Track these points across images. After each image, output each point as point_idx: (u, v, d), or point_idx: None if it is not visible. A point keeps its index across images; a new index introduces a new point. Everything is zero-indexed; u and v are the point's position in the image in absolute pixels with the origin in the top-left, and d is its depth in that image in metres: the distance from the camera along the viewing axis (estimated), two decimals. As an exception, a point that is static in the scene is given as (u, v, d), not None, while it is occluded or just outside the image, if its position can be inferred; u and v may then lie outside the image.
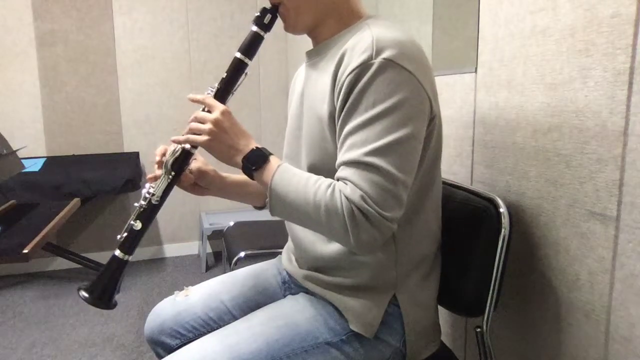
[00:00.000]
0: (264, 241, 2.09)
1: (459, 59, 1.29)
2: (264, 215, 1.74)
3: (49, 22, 2.90)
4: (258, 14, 0.90)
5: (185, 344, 0.97)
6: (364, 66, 0.77)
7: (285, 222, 1.01)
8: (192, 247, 3.32)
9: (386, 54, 0.76)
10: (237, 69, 0.91)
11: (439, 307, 1.00)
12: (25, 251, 1.50)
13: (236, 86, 0.93)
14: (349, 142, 0.78)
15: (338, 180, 0.79)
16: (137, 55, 3.07)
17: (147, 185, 0.94)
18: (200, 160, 1.04)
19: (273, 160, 0.84)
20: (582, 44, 0.85)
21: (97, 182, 2.71)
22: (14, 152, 2.14)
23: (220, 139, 0.85)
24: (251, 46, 0.91)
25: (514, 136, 1.04)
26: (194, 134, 0.87)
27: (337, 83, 0.82)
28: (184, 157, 0.92)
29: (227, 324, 0.95)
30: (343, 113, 0.80)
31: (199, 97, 0.89)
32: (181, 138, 0.89)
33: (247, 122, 3.26)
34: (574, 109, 0.88)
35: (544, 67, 0.95)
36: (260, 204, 1.13)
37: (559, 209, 0.93)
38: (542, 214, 0.97)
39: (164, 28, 3.10)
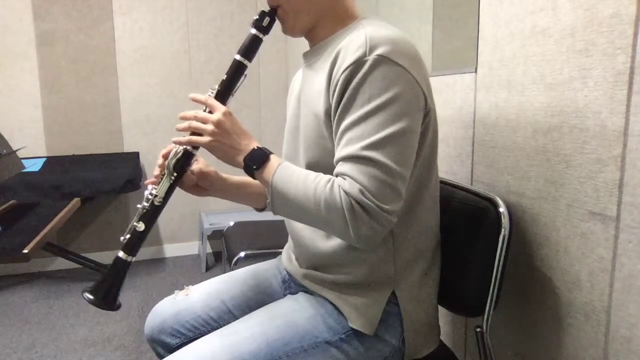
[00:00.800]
0: (264, 241, 2.09)
1: (459, 59, 1.29)
2: (264, 215, 1.74)
3: (49, 22, 2.90)
4: (257, 17, 0.91)
5: (185, 343, 0.98)
6: (358, 63, 0.78)
7: (285, 220, 1.01)
8: (192, 247, 3.32)
9: (379, 51, 0.77)
10: (236, 71, 0.92)
11: (439, 307, 1.00)
12: (25, 251, 1.51)
13: (236, 88, 0.94)
14: (346, 137, 0.79)
15: (337, 176, 0.79)
16: (137, 55, 3.07)
17: (150, 187, 0.95)
18: (201, 162, 1.05)
19: (273, 159, 0.85)
20: (582, 44, 0.85)
21: (97, 182, 2.71)
22: (14, 152, 2.14)
23: (222, 140, 0.86)
24: (250, 48, 0.92)
25: (514, 136, 1.04)
26: (196, 134, 0.87)
27: (332, 81, 0.83)
28: (185, 158, 0.93)
29: (227, 324, 0.95)
30: (339, 110, 0.81)
31: (200, 97, 0.89)
32: (183, 139, 0.89)
33: (247, 122, 3.26)
34: (574, 109, 0.88)
35: (544, 67, 0.95)
36: (260, 205, 1.13)
37: (559, 209, 0.93)
38: (542, 214, 0.97)
39: (164, 28, 3.10)
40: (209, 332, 0.95)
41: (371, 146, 0.76)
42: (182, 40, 3.14)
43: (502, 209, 0.93)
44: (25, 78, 2.91)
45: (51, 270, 3.08)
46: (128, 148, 3.13)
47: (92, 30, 2.98)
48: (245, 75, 0.94)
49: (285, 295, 1.05)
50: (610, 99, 0.80)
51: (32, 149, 2.94)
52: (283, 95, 3.34)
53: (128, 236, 0.92)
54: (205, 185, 1.05)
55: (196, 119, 0.88)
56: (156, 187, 0.93)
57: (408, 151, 0.80)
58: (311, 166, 0.89)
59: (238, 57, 0.92)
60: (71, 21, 2.94)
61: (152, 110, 3.14)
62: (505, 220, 0.92)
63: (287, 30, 0.95)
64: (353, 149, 0.77)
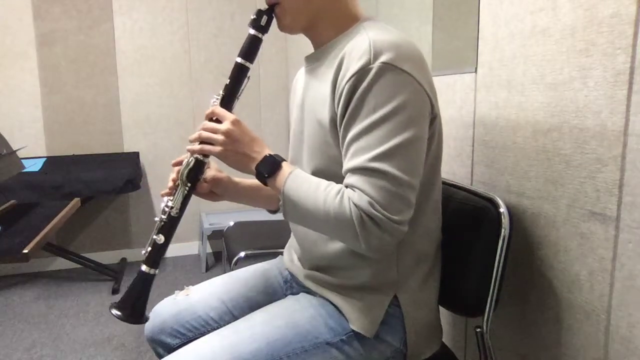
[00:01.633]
0: (264, 241, 2.09)
1: (459, 59, 1.29)
2: (264, 216, 1.74)
3: (49, 22, 2.90)
4: (254, 16, 0.91)
5: (185, 343, 0.98)
6: (362, 71, 0.77)
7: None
8: (192, 247, 3.32)
9: (384, 58, 0.76)
10: (239, 74, 0.92)
11: (439, 307, 1.00)
12: (25, 251, 1.51)
13: (240, 91, 0.94)
14: (353, 148, 0.79)
15: (346, 187, 0.79)
16: (137, 55, 3.07)
17: (165, 198, 0.95)
18: (214, 168, 1.05)
19: (285, 167, 0.85)
20: (582, 44, 0.85)
21: (97, 182, 2.71)
22: (14, 152, 2.14)
23: (233, 149, 0.86)
24: (251, 49, 0.92)
25: (514, 136, 1.04)
26: (207, 143, 0.87)
27: (337, 89, 0.82)
28: (197, 167, 0.94)
29: (227, 324, 0.95)
30: (345, 119, 0.80)
31: (205, 117, 0.90)
32: (196, 147, 0.90)
33: (247, 122, 3.21)
34: (574, 109, 0.88)
35: (544, 67, 0.95)
36: (274, 207, 1.14)
37: (559, 209, 0.93)
38: (542, 214, 0.97)
39: (164, 28, 3.10)
40: (209, 332, 0.95)
41: (379, 157, 0.76)
42: (182, 40, 3.14)
43: (502, 209, 0.93)
44: (25, 78, 2.91)
45: (51, 270, 3.08)
46: (128, 148, 3.13)
47: (92, 30, 2.98)
48: (249, 78, 0.94)
49: (286, 295, 1.05)
50: (610, 99, 0.80)
51: (32, 149, 2.94)
52: (283, 95, 3.34)
53: (149, 249, 0.93)
54: (218, 191, 1.06)
55: (205, 129, 0.88)
56: (171, 198, 0.94)
57: (416, 160, 0.79)
58: (317, 173, 0.89)
59: (239, 59, 0.91)
60: (71, 21, 2.94)
61: (152, 110, 3.14)
62: (505, 220, 0.92)
63: (284, 28, 0.94)
64: (360, 160, 0.77)
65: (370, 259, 0.88)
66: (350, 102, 0.79)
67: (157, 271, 0.93)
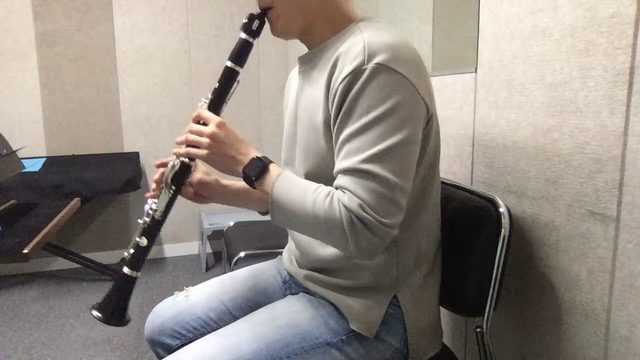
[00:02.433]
0: (264, 241, 2.09)
1: (459, 59, 1.29)
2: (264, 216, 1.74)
3: (49, 22, 2.90)
4: (245, 20, 0.89)
5: (185, 344, 0.97)
6: (356, 72, 0.76)
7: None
8: (192, 247, 3.32)
9: (378, 59, 0.76)
10: (228, 78, 0.91)
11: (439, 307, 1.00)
12: (25, 251, 1.51)
13: (229, 95, 0.92)
14: (345, 149, 0.78)
15: (337, 188, 0.78)
16: (137, 55, 3.07)
17: (149, 201, 0.94)
18: (201, 171, 1.04)
19: (273, 169, 0.84)
20: (582, 44, 0.85)
21: (97, 182, 2.71)
22: (14, 152, 2.14)
23: (219, 152, 0.85)
24: (241, 54, 0.91)
25: (514, 136, 1.04)
26: (193, 146, 0.87)
27: (330, 90, 0.82)
28: (183, 171, 0.93)
29: (227, 324, 0.95)
30: (338, 120, 0.80)
31: (192, 118, 0.89)
32: (182, 150, 0.89)
33: (247, 122, 3.26)
34: (574, 109, 0.88)
35: (544, 67, 0.95)
36: (263, 209, 1.13)
37: (559, 209, 0.93)
38: (542, 214, 0.97)
39: (164, 28, 3.10)
40: (209, 332, 0.95)
41: (370, 159, 0.75)
42: (182, 40, 3.14)
43: (502, 209, 0.93)
44: (25, 78, 2.91)
45: (51, 270, 3.08)
46: (128, 148, 3.13)
47: (92, 30, 2.98)
48: (238, 82, 0.92)
49: (285, 296, 1.05)
50: (610, 99, 0.80)
51: (32, 149, 2.94)
52: (283, 95, 3.34)
53: (132, 251, 0.92)
54: (206, 194, 1.05)
55: (191, 132, 0.87)
56: (156, 201, 0.93)
57: (408, 162, 0.79)
58: (310, 175, 0.89)
59: (229, 63, 0.90)
60: (71, 21, 2.93)
61: (152, 110, 3.14)
62: (505, 220, 0.92)
63: (278, 33, 0.92)
64: (352, 161, 0.76)
65: (369, 261, 0.88)
66: (344, 103, 0.78)
67: (139, 274, 0.92)
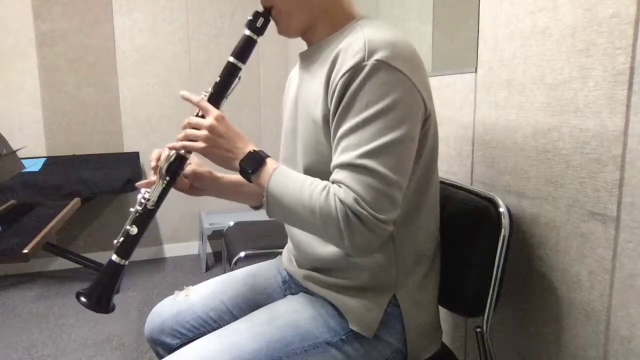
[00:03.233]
0: (264, 241, 2.09)
1: (459, 59, 1.29)
2: (264, 215, 1.74)
3: (49, 22, 2.90)
4: (250, 17, 0.90)
5: (185, 343, 0.97)
6: (356, 68, 0.77)
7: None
8: (192, 247, 3.32)
9: (378, 56, 0.76)
10: (230, 73, 0.91)
11: (439, 307, 1.00)
12: (25, 251, 1.51)
13: (230, 90, 0.92)
14: (342, 144, 0.78)
15: (333, 182, 0.79)
16: (137, 55, 3.07)
17: (143, 190, 0.94)
18: (195, 163, 1.04)
19: (269, 163, 0.84)
20: (582, 44, 0.85)
21: (97, 182, 2.71)
22: (14, 152, 2.14)
23: (216, 145, 0.85)
24: (244, 50, 0.91)
25: (514, 136, 1.04)
26: (190, 140, 0.87)
27: (330, 86, 0.82)
28: (178, 162, 0.92)
29: (227, 324, 0.95)
30: (337, 115, 0.80)
31: (193, 98, 0.88)
32: (177, 144, 0.89)
33: (247, 122, 3.26)
34: (574, 109, 0.88)
35: (544, 67, 0.95)
36: (257, 203, 1.13)
37: (559, 209, 0.93)
38: (542, 214, 0.97)
39: (164, 28, 3.10)
40: (209, 332, 0.95)
41: (367, 154, 0.75)
42: (182, 40, 3.13)
43: (502, 209, 0.93)
44: (25, 78, 2.91)
45: (51, 270, 3.08)
46: (128, 148, 3.13)
47: (92, 30, 2.98)
48: (240, 78, 0.93)
49: (285, 296, 1.05)
50: (610, 99, 0.80)
51: (32, 149, 2.94)
52: (283, 94, 3.33)
53: (121, 239, 0.92)
54: (200, 186, 1.05)
55: (189, 124, 0.87)
56: (149, 190, 0.93)
57: (405, 159, 0.79)
58: (309, 171, 0.89)
59: (232, 59, 0.91)
60: (71, 21, 2.93)
61: (152, 110, 3.14)
62: (505, 220, 0.92)
63: (282, 31, 0.93)
64: (349, 156, 0.76)
65: (368, 261, 0.88)
66: (343, 98, 0.79)
67: (127, 262, 0.92)
